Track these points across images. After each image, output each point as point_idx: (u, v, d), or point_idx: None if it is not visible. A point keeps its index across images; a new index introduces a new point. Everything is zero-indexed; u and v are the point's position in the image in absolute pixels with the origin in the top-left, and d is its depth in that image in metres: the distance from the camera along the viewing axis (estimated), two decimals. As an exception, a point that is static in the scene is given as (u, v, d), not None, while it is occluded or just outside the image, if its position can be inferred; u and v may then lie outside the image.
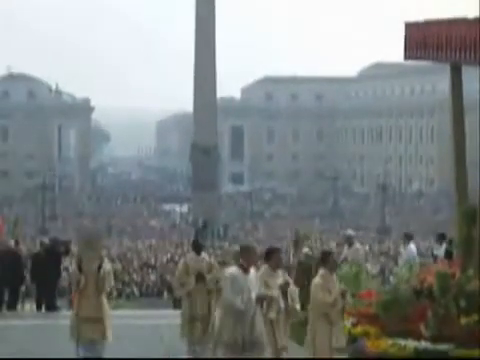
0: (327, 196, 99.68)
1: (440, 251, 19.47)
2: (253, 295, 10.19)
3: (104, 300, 12.92)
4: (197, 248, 14.41)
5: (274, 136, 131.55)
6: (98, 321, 12.71)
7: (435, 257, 19.60)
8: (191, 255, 14.36)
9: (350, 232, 19.82)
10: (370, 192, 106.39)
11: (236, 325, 10.13)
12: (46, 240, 22.64)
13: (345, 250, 19.67)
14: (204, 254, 14.46)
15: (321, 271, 11.79)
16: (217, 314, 11.86)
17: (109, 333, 12.81)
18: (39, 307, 20.97)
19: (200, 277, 13.92)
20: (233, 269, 10.39)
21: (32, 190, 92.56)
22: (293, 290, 11.52)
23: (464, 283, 13.29)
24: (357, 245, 19.43)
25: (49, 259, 20.64)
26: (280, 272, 11.47)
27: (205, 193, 73.08)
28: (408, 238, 20.41)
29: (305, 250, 18.33)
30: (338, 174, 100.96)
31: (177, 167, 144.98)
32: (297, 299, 11.54)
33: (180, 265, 14.24)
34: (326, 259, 11.87)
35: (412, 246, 19.98)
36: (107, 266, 12.92)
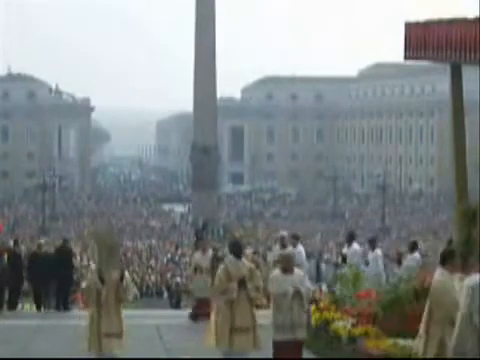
0: (327, 196, 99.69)
1: (351, 251, 19.01)
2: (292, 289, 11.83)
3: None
4: (237, 251, 12.85)
5: (274, 136, 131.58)
6: (120, 335, 12.14)
7: (344, 257, 19.47)
8: (230, 259, 12.80)
9: (283, 234, 19.21)
10: (370, 192, 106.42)
11: (278, 311, 11.89)
12: (42, 241, 22.66)
13: (345, 249, 19.51)
14: (244, 258, 13.22)
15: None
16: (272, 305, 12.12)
17: (128, 344, 12.38)
18: (38, 307, 20.95)
19: (242, 283, 12.52)
20: (276, 271, 12.30)
21: (32, 190, 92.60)
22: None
23: (464, 283, 13.28)
24: (355, 246, 19.16)
25: (61, 260, 20.65)
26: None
27: (205, 193, 73.07)
28: (371, 244, 20.03)
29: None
30: (338, 174, 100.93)
31: (177, 167, 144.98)
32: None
33: (220, 270, 12.66)
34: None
35: (378, 251, 19.77)
36: (127, 274, 12.33)
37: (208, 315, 14.07)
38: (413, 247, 19.13)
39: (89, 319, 12.08)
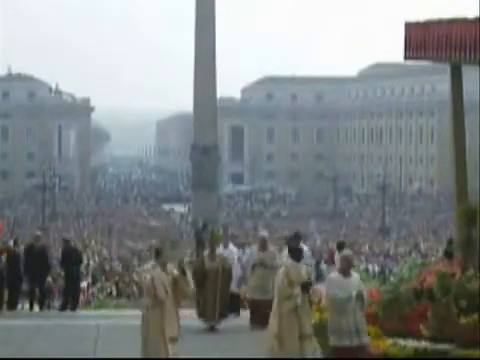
0: (327, 196, 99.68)
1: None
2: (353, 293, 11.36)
3: None
4: (296, 255, 12.22)
5: (274, 136, 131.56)
6: (177, 339, 11.91)
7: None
8: (290, 263, 12.08)
9: (263, 234, 18.26)
10: (370, 192, 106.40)
11: (341, 316, 11.37)
12: (39, 233, 22.56)
13: (336, 255, 18.88)
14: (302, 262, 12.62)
15: None
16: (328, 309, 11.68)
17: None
18: (31, 305, 20.91)
19: (304, 288, 11.92)
20: (333, 273, 11.89)
21: (32, 190, 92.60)
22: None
23: (464, 283, 13.30)
24: (271, 248, 18.01)
25: (70, 259, 20.67)
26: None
27: (205, 193, 73.06)
28: (340, 247, 19.58)
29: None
30: (338, 174, 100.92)
31: (177, 167, 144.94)
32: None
33: (281, 275, 11.94)
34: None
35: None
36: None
37: None
38: (340, 247, 18.66)
39: (151, 320, 11.71)
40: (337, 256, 18.38)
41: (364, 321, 11.60)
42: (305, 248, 18.55)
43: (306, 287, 11.84)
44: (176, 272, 11.99)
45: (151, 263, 12.26)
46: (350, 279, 11.53)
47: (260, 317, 16.61)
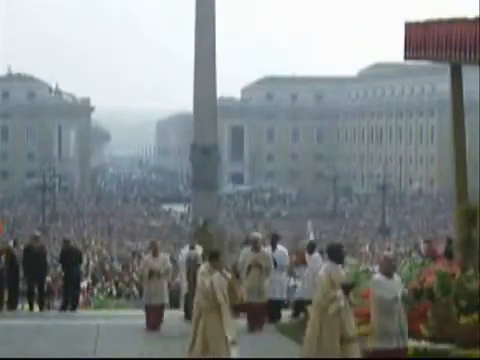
0: (327, 196, 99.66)
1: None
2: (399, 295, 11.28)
3: None
4: (337, 256, 11.69)
5: (274, 136, 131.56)
6: (236, 343, 11.77)
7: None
8: (330, 265, 11.64)
9: (256, 235, 17.74)
10: (370, 192, 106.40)
11: (387, 318, 11.21)
12: (37, 233, 22.53)
13: (307, 257, 18.11)
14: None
15: None
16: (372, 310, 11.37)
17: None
18: (31, 306, 20.89)
19: (345, 290, 11.56)
20: (378, 275, 11.54)
21: (32, 190, 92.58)
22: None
23: (464, 283, 13.30)
24: (316, 254, 17.77)
25: (70, 259, 20.68)
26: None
27: (205, 193, 72.80)
28: (310, 249, 19.13)
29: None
30: (338, 174, 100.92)
31: (177, 167, 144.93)
32: None
33: (324, 277, 11.47)
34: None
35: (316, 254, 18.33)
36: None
37: None
38: (311, 249, 18.25)
39: (210, 324, 11.57)
40: (308, 257, 18.11)
41: (406, 323, 11.44)
42: (283, 249, 18.45)
43: (348, 289, 11.57)
44: (230, 276, 11.91)
45: (206, 266, 12.07)
46: (393, 280, 11.42)
47: (257, 320, 16.56)
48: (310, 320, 11.63)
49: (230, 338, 11.62)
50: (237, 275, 11.57)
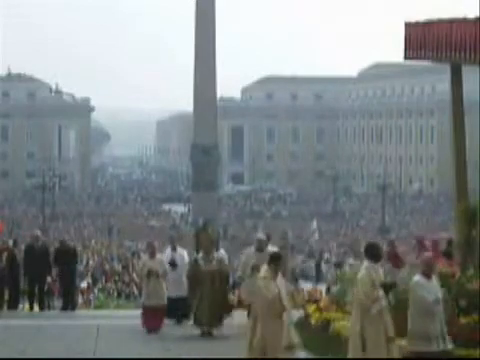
0: (327, 196, 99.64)
1: None
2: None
3: None
4: (375, 255, 11.35)
5: (274, 136, 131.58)
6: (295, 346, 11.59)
7: None
8: (369, 264, 11.30)
9: (261, 236, 17.43)
10: (370, 192, 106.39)
11: (428, 320, 10.98)
12: (38, 232, 22.48)
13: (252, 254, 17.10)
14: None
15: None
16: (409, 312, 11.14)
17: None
18: (31, 306, 20.88)
19: (386, 289, 11.36)
20: (418, 276, 11.30)
21: (32, 190, 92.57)
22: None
23: (464, 283, 13.29)
24: (269, 248, 16.68)
25: (64, 258, 20.66)
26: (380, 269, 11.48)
27: (205, 193, 73.10)
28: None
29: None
30: (338, 174, 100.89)
31: (177, 167, 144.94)
32: None
33: (366, 277, 11.16)
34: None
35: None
36: None
37: None
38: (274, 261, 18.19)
39: (273, 330, 11.30)
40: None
41: (445, 325, 11.24)
42: (274, 249, 18.23)
43: (388, 288, 11.42)
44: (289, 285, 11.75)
45: (266, 270, 11.63)
46: (433, 282, 11.24)
47: None
48: (351, 321, 11.42)
49: (289, 343, 11.42)
50: (296, 280, 11.17)
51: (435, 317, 11.01)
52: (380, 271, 11.35)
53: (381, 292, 11.11)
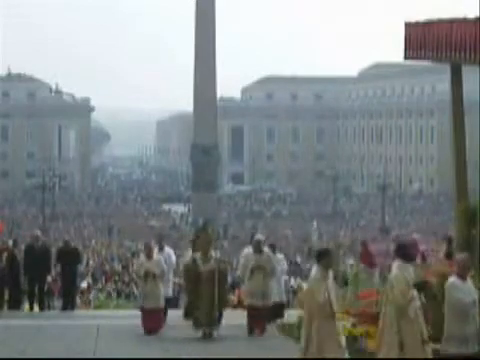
0: (327, 196, 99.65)
1: None
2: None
3: None
4: (408, 254, 11.21)
5: (274, 136, 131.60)
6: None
7: None
8: (401, 264, 11.14)
9: (259, 237, 17.15)
10: (370, 192, 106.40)
11: (464, 322, 10.82)
12: (38, 232, 22.47)
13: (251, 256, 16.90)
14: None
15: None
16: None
17: None
18: (31, 306, 20.87)
19: (418, 289, 11.21)
20: (453, 278, 11.06)
21: (32, 190, 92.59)
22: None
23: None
24: (266, 249, 16.74)
25: (66, 258, 20.66)
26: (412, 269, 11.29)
27: (205, 193, 73.13)
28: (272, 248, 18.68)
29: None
30: (338, 174, 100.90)
31: (177, 167, 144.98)
32: None
33: (401, 278, 10.98)
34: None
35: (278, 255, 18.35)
36: None
37: None
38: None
39: (328, 332, 11.09)
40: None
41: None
42: (281, 258, 18.26)
43: (421, 288, 11.28)
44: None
45: (317, 270, 11.26)
46: (468, 283, 11.06)
47: (260, 323, 16.13)
48: (386, 322, 11.13)
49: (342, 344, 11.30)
50: (346, 282, 11.00)
51: (471, 319, 10.85)
52: (411, 270, 11.16)
53: (415, 292, 10.99)
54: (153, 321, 16.35)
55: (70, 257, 20.76)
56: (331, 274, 11.16)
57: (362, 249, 21.29)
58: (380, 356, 11.11)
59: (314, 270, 11.30)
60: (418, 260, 16.32)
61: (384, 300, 11.24)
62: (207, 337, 15.62)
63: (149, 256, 16.63)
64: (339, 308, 11.49)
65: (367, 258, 20.77)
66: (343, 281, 11.11)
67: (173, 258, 18.00)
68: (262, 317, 16.24)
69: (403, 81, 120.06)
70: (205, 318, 15.65)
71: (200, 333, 15.71)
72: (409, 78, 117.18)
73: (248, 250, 16.84)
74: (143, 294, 16.75)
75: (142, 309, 16.65)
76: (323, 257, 11.14)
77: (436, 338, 12.43)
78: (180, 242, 50.69)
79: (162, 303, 16.60)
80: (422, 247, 19.78)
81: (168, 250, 18.10)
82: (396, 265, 11.12)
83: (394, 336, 10.85)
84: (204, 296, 15.69)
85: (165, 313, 17.40)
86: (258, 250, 16.43)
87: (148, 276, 16.41)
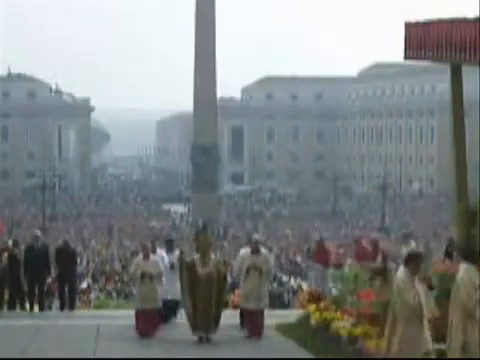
0: (327, 196, 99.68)
1: None
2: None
3: None
4: (471, 256, 11.01)
5: (274, 136, 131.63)
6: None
7: None
8: (466, 265, 10.90)
9: (256, 237, 17.19)
10: (370, 192, 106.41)
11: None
12: (38, 232, 22.44)
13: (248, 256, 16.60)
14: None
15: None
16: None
17: None
18: (32, 307, 20.86)
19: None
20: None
21: (32, 190, 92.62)
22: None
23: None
24: (263, 250, 16.81)
25: (63, 259, 20.66)
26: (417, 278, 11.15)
27: (205, 193, 73.12)
28: (406, 238, 19.88)
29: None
30: (338, 174, 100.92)
31: (177, 167, 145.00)
32: None
33: (465, 277, 10.79)
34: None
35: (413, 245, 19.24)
36: None
37: None
38: (170, 247, 18.20)
39: (413, 335, 10.98)
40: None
41: None
42: (263, 251, 18.23)
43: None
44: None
45: (404, 272, 11.06)
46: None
47: (256, 327, 15.86)
48: (453, 325, 10.94)
49: (428, 349, 11.16)
50: (431, 287, 10.83)
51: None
52: (477, 273, 10.84)
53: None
54: (148, 324, 16.06)
55: (67, 257, 20.74)
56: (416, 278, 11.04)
57: (317, 247, 21.26)
58: (448, 356, 10.99)
59: (401, 272, 11.17)
60: (379, 258, 16.34)
61: (450, 302, 11.02)
62: (204, 341, 15.38)
63: (146, 256, 16.40)
64: (428, 311, 11.23)
65: (322, 256, 20.77)
66: (430, 285, 11.05)
67: (166, 259, 17.79)
68: (257, 321, 15.93)
69: (403, 81, 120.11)
70: (202, 323, 15.38)
71: (196, 337, 15.52)
72: (409, 78, 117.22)
73: (245, 250, 16.72)
74: (139, 296, 16.51)
75: (137, 311, 16.42)
76: (411, 261, 11.07)
77: (435, 338, 12.44)
78: (180, 242, 50.70)
79: (159, 305, 16.36)
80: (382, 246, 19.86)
81: (160, 252, 17.90)
82: (463, 267, 10.96)
83: (460, 336, 10.76)
84: (201, 299, 15.40)
85: (169, 316, 17.31)
86: (256, 250, 16.30)
87: (145, 277, 16.20)
